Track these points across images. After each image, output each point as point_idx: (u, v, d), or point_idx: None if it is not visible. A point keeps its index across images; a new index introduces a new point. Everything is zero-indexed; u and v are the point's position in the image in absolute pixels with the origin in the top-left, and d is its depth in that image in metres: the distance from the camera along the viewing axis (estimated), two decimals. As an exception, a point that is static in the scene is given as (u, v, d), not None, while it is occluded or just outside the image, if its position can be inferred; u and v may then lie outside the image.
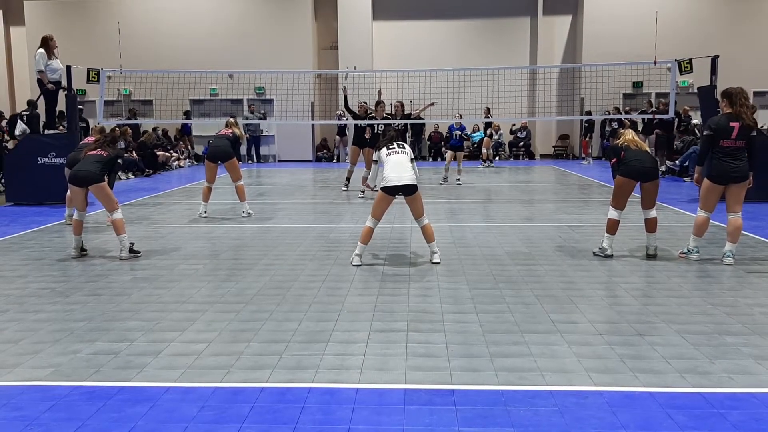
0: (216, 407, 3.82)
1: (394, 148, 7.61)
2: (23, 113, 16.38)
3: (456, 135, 16.58)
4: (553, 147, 25.82)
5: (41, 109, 13.83)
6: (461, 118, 17.19)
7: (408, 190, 7.36)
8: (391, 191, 7.38)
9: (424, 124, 24.13)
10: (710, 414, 3.69)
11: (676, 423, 3.58)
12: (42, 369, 4.41)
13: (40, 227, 10.20)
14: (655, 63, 14.75)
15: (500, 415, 3.68)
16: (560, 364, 4.43)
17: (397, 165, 7.41)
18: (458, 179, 16.10)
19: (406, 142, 8.73)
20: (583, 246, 8.43)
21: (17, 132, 17.00)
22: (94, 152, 8.01)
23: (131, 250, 7.95)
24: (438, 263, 7.43)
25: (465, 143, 17.55)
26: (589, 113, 22.69)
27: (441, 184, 15.90)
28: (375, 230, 7.51)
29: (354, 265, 7.34)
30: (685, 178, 16.55)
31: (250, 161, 24.88)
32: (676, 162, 17.55)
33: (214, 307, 5.84)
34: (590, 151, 23.59)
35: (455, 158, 16.19)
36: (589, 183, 16.90)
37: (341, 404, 3.85)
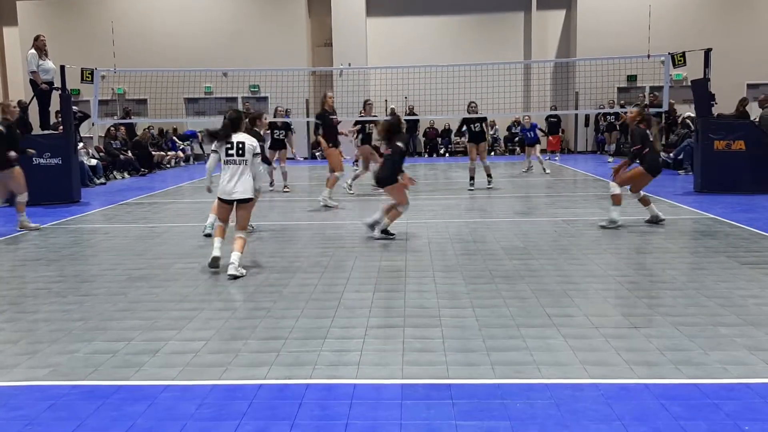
0: (214, 404, 3.84)
1: (232, 154, 6.92)
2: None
3: (530, 134, 18.22)
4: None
5: (38, 111, 13.75)
6: (530, 118, 18.47)
7: (240, 202, 7.00)
8: (227, 202, 7.05)
9: (418, 120, 24.14)
10: (705, 404, 3.72)
11: (671, 414, 3.61)
12: (40, 369, 4.42)
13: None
14: (648, 57, 14.79)
15: (497, 408, 3.71)
16: (556, 357, 4.46)
17: (232, 176, 6.92)
18: (545, 169, 17.79)
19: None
20: (578, 240, 8.46)
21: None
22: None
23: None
24: (233, 276, 6.72)
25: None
26: (554, 108, 22.74)
27: (524, 172, 17.95)
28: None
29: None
30: (679, 171, 16.61)
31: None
32: (671, 155, 17.60)
33: (211, 305, 5.85)
34: (561, 147, 23.72)
35: (533, 152, 18.17)
36: (584, 177, 16.95)
37: (339, 400, 3.86)
